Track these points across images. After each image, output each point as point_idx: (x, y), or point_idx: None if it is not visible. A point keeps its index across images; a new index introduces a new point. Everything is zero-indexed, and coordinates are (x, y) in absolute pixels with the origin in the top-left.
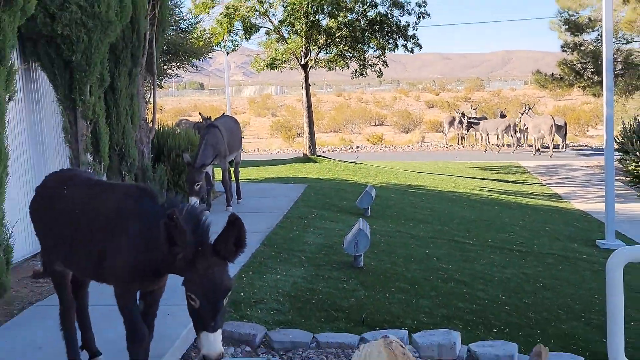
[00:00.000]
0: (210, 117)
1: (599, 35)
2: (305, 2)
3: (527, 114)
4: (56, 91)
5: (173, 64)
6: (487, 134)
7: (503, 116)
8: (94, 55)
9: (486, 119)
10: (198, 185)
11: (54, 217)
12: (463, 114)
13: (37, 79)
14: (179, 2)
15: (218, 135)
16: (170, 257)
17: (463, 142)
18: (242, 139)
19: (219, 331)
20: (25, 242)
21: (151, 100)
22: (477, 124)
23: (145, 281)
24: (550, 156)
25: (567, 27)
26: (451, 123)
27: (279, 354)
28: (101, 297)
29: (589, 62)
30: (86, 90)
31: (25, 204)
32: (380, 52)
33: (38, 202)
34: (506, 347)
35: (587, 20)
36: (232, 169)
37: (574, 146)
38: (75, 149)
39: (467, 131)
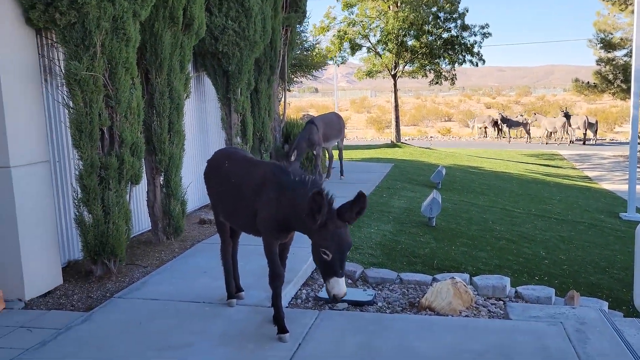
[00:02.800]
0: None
1: (628, 52)
2: (396, 29)
3: (566, 114)
4: (217, 92)
5: (298, 73)
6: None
7: (567, 115)
8: (244, 67)
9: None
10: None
11: (219, 182)
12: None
13: (204, 83)
14: (304, 28)
15: (313, 129)
16: (311, 222)
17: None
18: (343, 130)
19: (343, 277)
20: (194, 198)
21: (282, 99)
22: (506, 121)
23: (281, 233)
24: (569, 144)
25: (601, 45)
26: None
27: (372, 286)
28: (248, 240)
29: (619, 73)
30: (238, 92)
31: (194, 172)
32: (451, 65)
33: (208, 171)
34: (545, 290)
35: (619, 40)
36: (336, 152)
37: (603, 140)
38: (229, 134)
39: (495, 127)
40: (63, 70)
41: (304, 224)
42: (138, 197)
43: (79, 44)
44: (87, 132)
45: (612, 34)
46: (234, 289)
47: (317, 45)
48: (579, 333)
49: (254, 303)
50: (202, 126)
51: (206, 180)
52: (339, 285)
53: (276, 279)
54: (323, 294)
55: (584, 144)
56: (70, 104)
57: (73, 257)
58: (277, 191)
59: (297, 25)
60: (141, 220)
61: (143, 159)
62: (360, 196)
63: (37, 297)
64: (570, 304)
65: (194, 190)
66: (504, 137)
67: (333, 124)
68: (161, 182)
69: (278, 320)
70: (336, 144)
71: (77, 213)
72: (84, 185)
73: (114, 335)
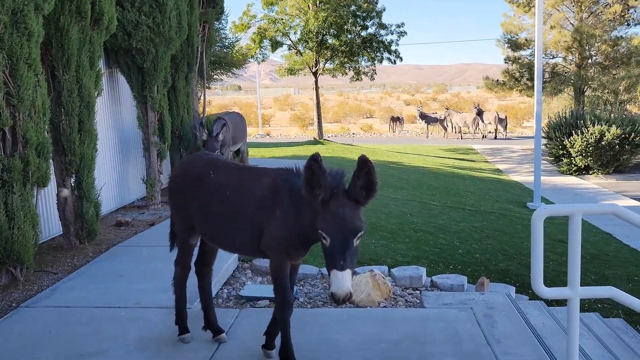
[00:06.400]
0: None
1: (532, 51)
2: (316, 27)
3: (477, 109)
4: (132, 90)
5: (218, 71)
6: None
7: (480, 111)
8: (160, 64)
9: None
10: (217, 152)
11: (199, 197)
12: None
13: (118, 81)
14: (223, 25)
15: (225, 128)
16: (312, 198)
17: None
18: (246, 132)
19: (348, 271)
20: (109, 200)
21: (202, 97)
22: (424, 117)
23: (299, 250)
24: (481, 138)
25: (508, 45)
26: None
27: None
28: (158, 240)
29: (525, 71)
30: (154, 89)
31: (110, 172)
32: (370, 62)
33: (181, 183)
34: (458, 278)
35: (524, 40)
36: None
37: (512, 134)
38: (146, 133)
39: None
40: None
41: None
42: (47, 200)
43: None
44: None
45: (517, 34)
46: (186, 321)
47: (237, 43)
48: (487, 317)
49: (172, 305)
50: (117, 125)
51: (176, 194)
52: (338, 281)
53: (287, 308)
54: (244, 292)
55: (495, 138)
56: None
57: None
58: (293, 198)
59: (215, 22)
60: (52, 225)
61: (51, 160)
62: (363, 161)
63: None
64: (480, 291)
65: (109, 191)
66: (399, 132)
67: (239, 126)
68: (72, 184)
69: (288, 351)
70: (239, 147)
71: None
72: None
73: (20, 346)
